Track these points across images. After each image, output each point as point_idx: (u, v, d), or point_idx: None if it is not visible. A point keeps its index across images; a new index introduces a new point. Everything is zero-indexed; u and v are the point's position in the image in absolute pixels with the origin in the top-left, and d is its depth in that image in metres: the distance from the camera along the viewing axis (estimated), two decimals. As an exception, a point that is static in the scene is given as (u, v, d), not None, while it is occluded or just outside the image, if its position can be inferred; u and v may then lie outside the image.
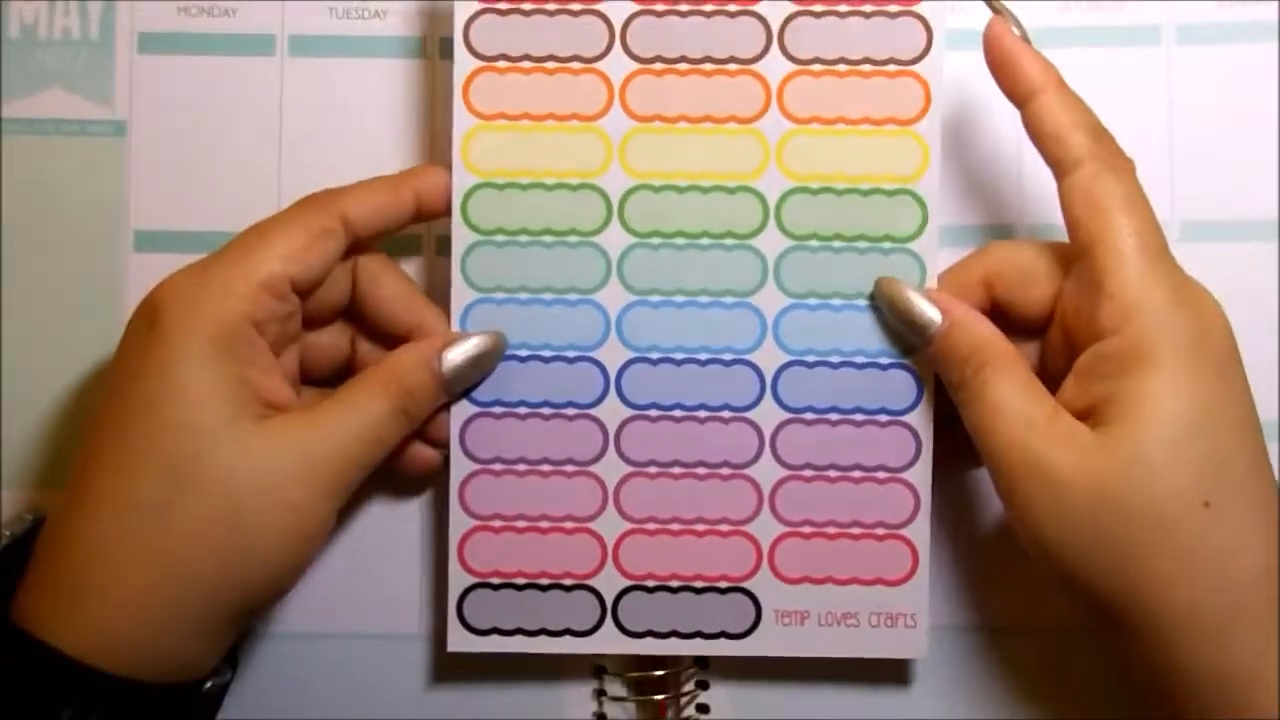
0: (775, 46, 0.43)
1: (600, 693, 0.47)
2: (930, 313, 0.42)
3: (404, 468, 0.44)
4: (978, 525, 0.47)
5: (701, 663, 0.47)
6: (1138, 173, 0.40)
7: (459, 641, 0.44)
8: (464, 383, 0.43)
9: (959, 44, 0.46)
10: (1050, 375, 0.42)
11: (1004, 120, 0.47)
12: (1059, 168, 0.41)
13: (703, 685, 0.47)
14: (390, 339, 0.44)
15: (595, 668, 0.47)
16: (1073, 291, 0.41)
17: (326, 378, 0.45)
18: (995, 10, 0.42)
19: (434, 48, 0.48)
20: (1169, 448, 0.37)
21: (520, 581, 0.44)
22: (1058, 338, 0.42)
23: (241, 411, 0.39)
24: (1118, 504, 0.37)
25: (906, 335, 0.43)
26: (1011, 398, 0.40)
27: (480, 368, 0.43)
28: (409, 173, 0.44)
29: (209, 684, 0.41)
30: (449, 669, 0.47)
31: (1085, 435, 0.38)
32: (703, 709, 0.47)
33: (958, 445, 0.43)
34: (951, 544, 0.47)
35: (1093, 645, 0.46)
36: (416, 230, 0.47)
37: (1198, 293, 0.39)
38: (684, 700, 0.47)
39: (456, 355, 0.42)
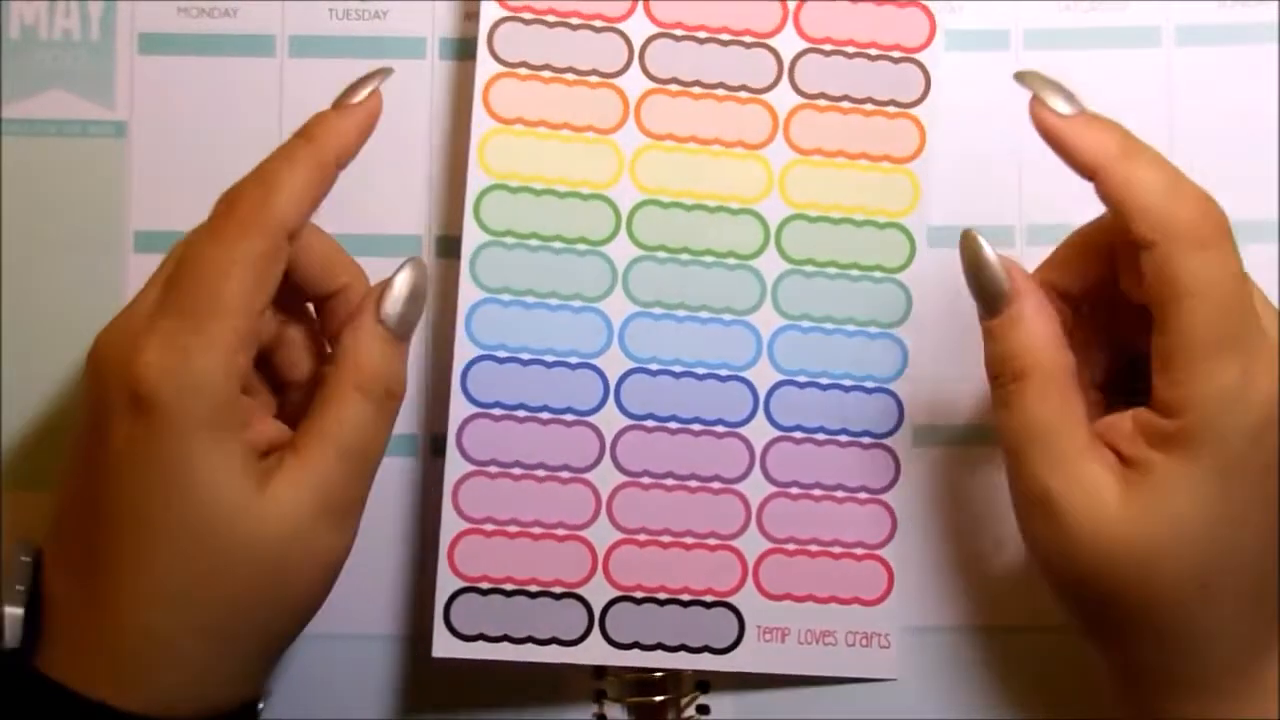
0: (785, 79, 0.45)
1: (600, 694, 0.46)
2: (1004, 287, 0.39)
3: None
4: (969, 526, 0.47)
5: (703, 687, 0.46)
6: (1230, 228, 0.37)
7: (444, 647, 0.43)
8: (412, 325, 0.40)
9: (960, 44, 0.47)
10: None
11: (1004, 120, 0.47)
12: (1136, 244, 0.37)
13: (702, 686, 0.46)
14: (317, 299, 0.42)
15: (595, 669, 0.46)
16: (1154, 355, 0.38)
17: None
18: (1031, 90, 0.39)
19: (434, 48, 0.48)
20: (1182, 538, 0.36)
21: (509, 587, 0.44)
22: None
23: (248, 483, 0.37)
24: (1118, 569, 0.37)
25: (973, 296, 0.40)
26: (1042, 421, 0.38)
27: (420, 301, 0.40)
28: (320, 137, 0.40)
29: (261, 705, 0.41)
30: (450, 684, 0.46)
31: (1108, 486, 0.37)
32: (703, 710, 0.46)
33: None
34: (942, 544, 0.47)
35: (1077, 643, 0.46)
36: (416, 230, 0.46)
37: (1271, 385, 0.36)
38: (684, 702, 0.46)
39: (394, 304, 0.40)
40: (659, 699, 0.46)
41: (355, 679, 0.46)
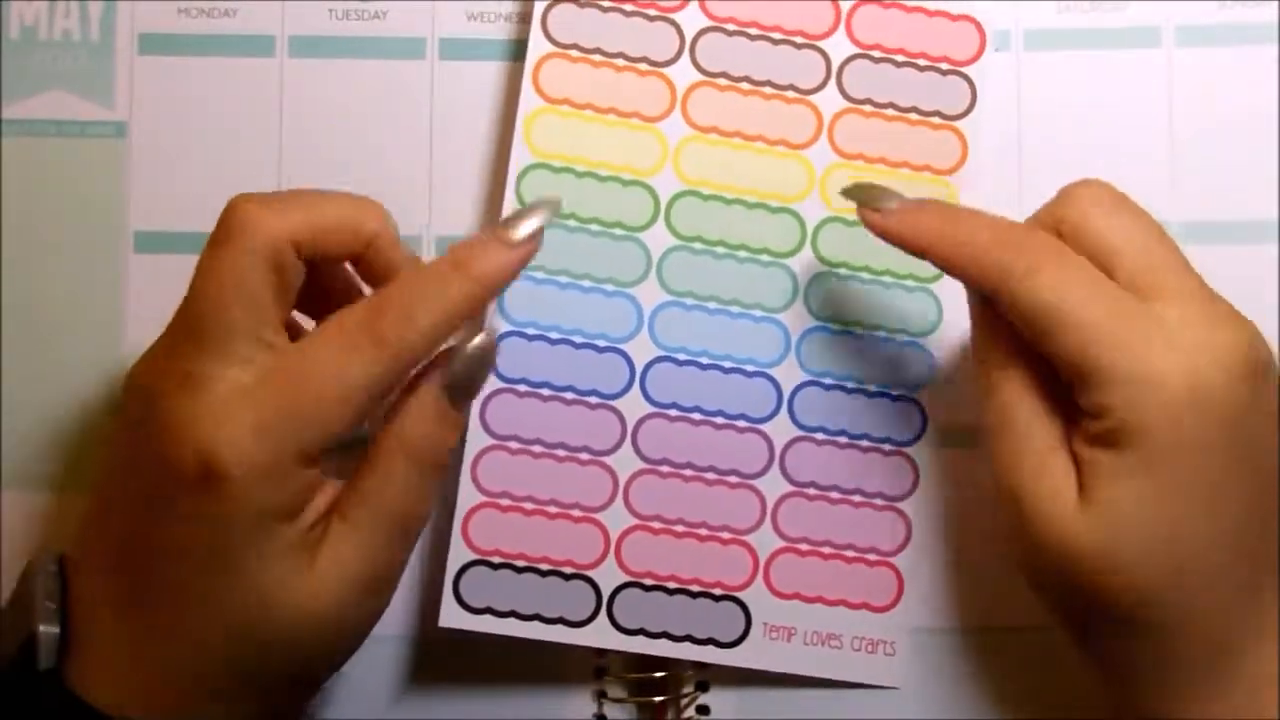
0: (833, 82, 0.46)
1: (601, 694, 0.46)
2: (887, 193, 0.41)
3: None
4: (969, 526, 0.47)
5: (703, 686, 0.46)
6: (1065, 255, 0.38)
7: (451, 617, 0.43)
8: (475, 389, 0.40)
9: None
10: None
11: (1003, 119, 0.47)
12: (989, 299, 0.39)
13: (702, 686, 0.46)
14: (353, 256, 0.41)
15: (596, 668, 0.46)
16: None
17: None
18: (856, 200, 0.41)
19: (434, 48, 0.48)
20: (1130, 532, 0.37)
21: (520, 564, 0.44)
22: None
23: (302, 559, 0.37)
24: (1076, 569, 0.38)
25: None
26: (1020, 415, 0.39)
27: (485, 368, 0.40)
28: (478, 280, 0.38)
29: None
30: (452, 675, 0.46)
31: (1067, 490, 0.38)
32: (703, 710, 0.46)
33: None
34: (943, 544, 0.47)
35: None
36: (416, 231, 0.47)
37: (1176, 362, 0.37)
38: (684, 702, 0.46)
39: (462, 362, 0.39)
40: (659, 699, 0.46)
41: (354, 679, 0.46)
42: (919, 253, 0.40)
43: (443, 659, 0.46)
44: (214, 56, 0.48)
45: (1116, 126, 0.47)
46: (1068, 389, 0.39)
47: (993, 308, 0.40)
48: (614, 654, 0.46)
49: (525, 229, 0.39)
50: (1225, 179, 0.47)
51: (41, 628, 0.38)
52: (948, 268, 0.40)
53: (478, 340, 0.40)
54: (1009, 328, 0.39)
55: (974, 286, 0.39)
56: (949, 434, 0.46)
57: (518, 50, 0.47)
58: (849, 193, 0.42)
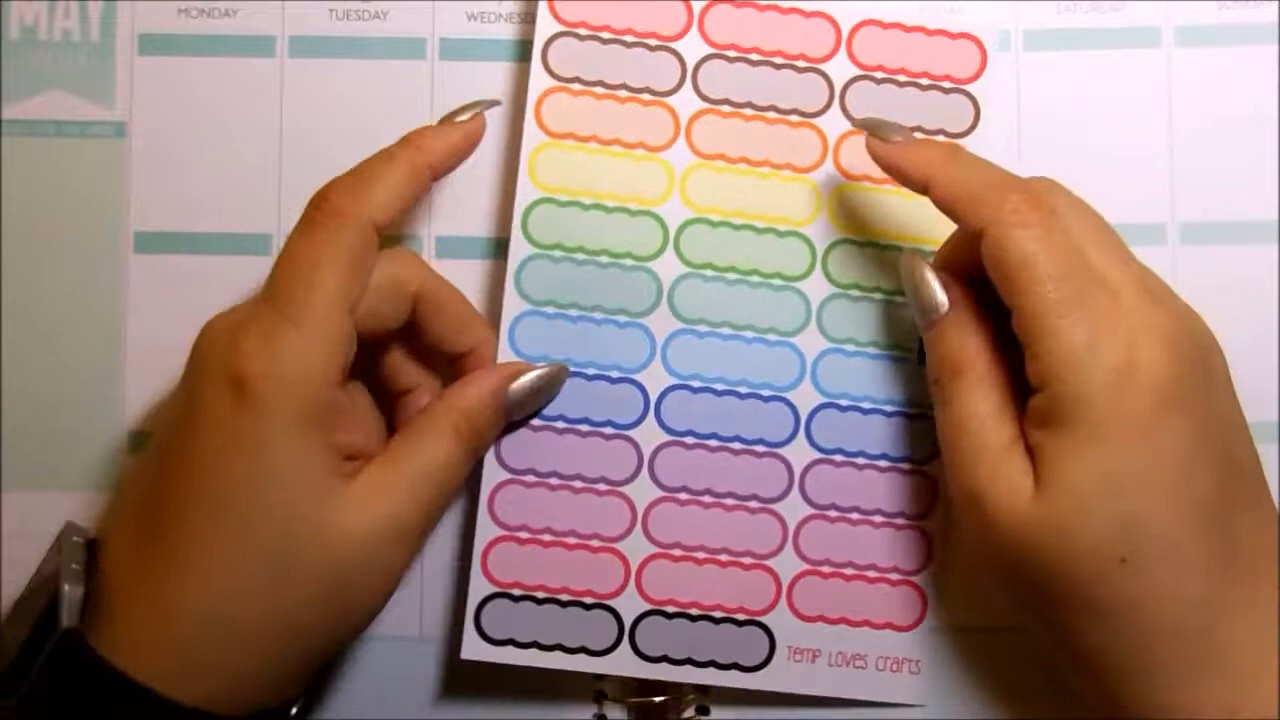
0: (836, 105, 0.46)
1: (600, 718, 0.46)
2: (939, 298, 0.42)
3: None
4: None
5: (701, 689, 0.47)
6: (1063, 203, 0.39)
7: (474, 650, 0.43)
8: (525, 411, 0.44)
9: None
10: None
11: (1003, 119, 0.48)
12: (973, 239, 0.40)
13: (703, 710, 0.47)
14: (446, 359, 0.44)
15: (595, 692, 0.46)
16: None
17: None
18: (867, 129, 0.43)
19: (434, 48, 0.48)
20: (1082, 510, 0.37)
21: (541, 595, 0.44)
22: None
23: (333, 483, 0.39)
24: (1037, 556, 0.38)
25: (914, 311, 0.43)
26: (974, 418, 0.40)
27: (542, 397, 0.44)
28: (416, 146, 0.42)
29: (294, 710, 0.42)
30: (453, 680, 0.46)
31: (1024, 483, 0.38)
32: (703, 710, 0.47)
33: None
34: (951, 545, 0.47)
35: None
36: (416, 231, 0.47)
37: (1127, 335, 0.38)
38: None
39: (521, 388, 0.43)
40: (659, 699, 0.46)
41: (356, 679, 0.46)
42: (920, 185, 0.41)
43: (446, 667, 0.46)
44: (214, 56, 0.48)
45: (1116, 126, 0.47)
46: (1018, 389, 0.40)
47: (941, 327, 0.41)
48: (612, 678, 0.46)
49: (465, 115, 0.44)
50: (1225, 179, 0.47)
51: (66, 587, 0.39)
52: (944, 202, 0.41)
53: (550, 367, 0.44)
54: (958, 339, 0.41)
55: (963, 223, 0.40)
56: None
57: (518, 50, 0.48)
58: (861, 123, 0.44)
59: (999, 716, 0.47)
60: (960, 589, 0.47)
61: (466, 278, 0.46)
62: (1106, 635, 0.38)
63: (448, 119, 0.44)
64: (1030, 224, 0.39)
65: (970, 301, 0.42)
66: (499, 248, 0.47)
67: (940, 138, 0.46)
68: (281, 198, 0.47)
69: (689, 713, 0.47)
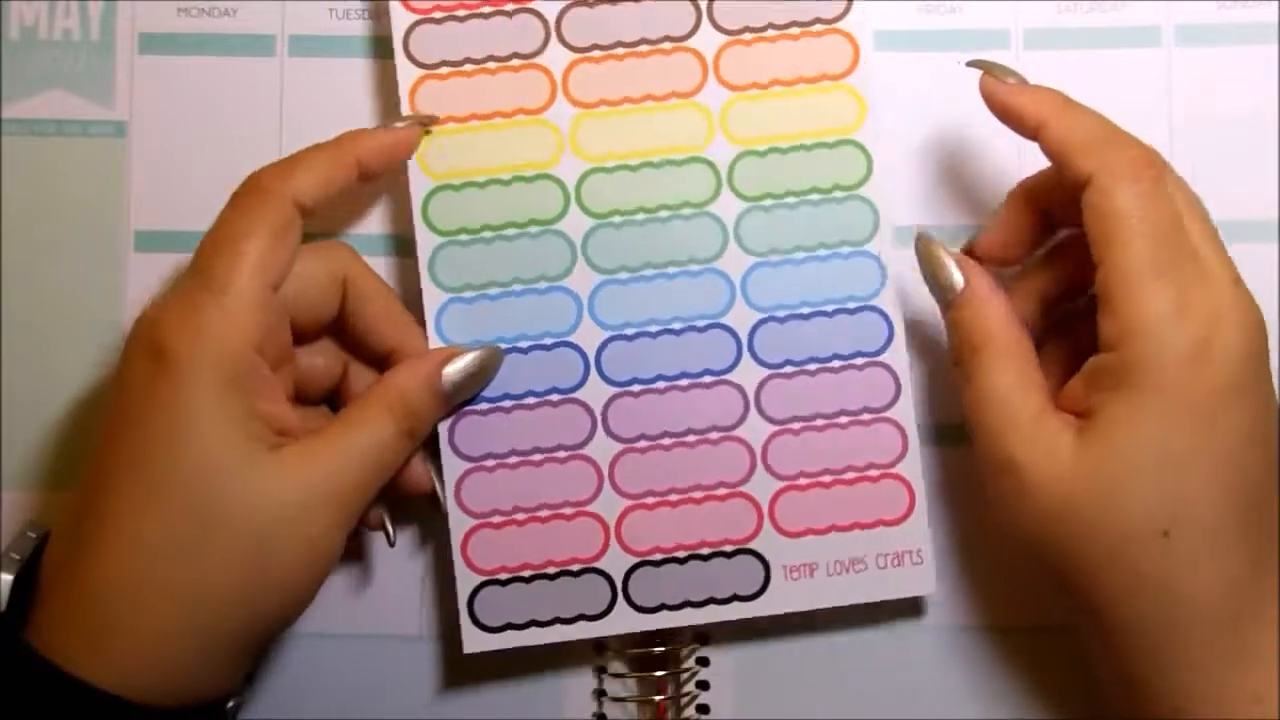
0: (705, 21, 0.45)
1: (600, 693, 0.47)
2: (955, 278, 0.42)
3: (401, 488, 0.44)
4: (979, 525, 0.47)
5: (702, 662, 0.47)
6: (1167, 171, 0.39)
7: (474, 641, 0.44)
8: (463, 396, 0.44)
9: (960, 44, 0.47)
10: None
11: None
12: (1076, 189, 0.40)
13: (703, 662, 0.47)
14: (374, 355, 0.44)
15: (594, 643, 0.47)
16: (1098, 300, 0.40)
17: (318, 399, 0.45)
18: (982, 69, 0.42)
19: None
20: (1132, 476, 0.37)
21: (527, 574, 0.44)
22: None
23: (256, 446, 0.39)
24: (1078, 516, 0.38)
25: (931, 293, 0.43)
26: (999, 389, 0.40)
27: (479, 381, 0.44)
28: (347, 140, 0.43)
29: (231, 703, 0.41)
30: (453, 672, 0.47)
31: (1065, 443, 0.38)
32: (703, 710, 0.46)
33: None
34: (953, 544, 0.47)
35: (1081, 643, 0.46)
36: (410, 231, 0.46)
37: (1211, 312, 0.38)
38: (684, 701, 0.47)
39: (456, 371, 0.43)
40: (659, 698, 0.46)
41: (356, 678, 0.47)
42: (1032, 128, 0.41)
43: (445, 660, 0.47)
44: (214, 56, 0.48)
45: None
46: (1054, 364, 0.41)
47: (959, 305, 0.41)
48: (611, 654, 0.47)
49: (399, 123, 0.44)
50: (1225, 179, 0.47)
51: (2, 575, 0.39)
52: (1056, 146, 0.40)
53: (483, 350, 0.44)
54: (977, 315, 0.41)
55: (1072, 169, 0.40)
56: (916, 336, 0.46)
57: (375, 46, 0.48)
58: (975, 63, 0.43)
59: (998, 717, 0.47)
60: (960, 589, 0.47)
61: (403, 276, 0.46)
62: (1139, 608, 0.38)
63: (382, 124, 0.45)
64: (1141, 180, 0.39)
65: (987, 279, 0.42)
66: (403, 245, 0.47)
67: (818, 26, 0.45)
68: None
69: (689, 663, 0.47)
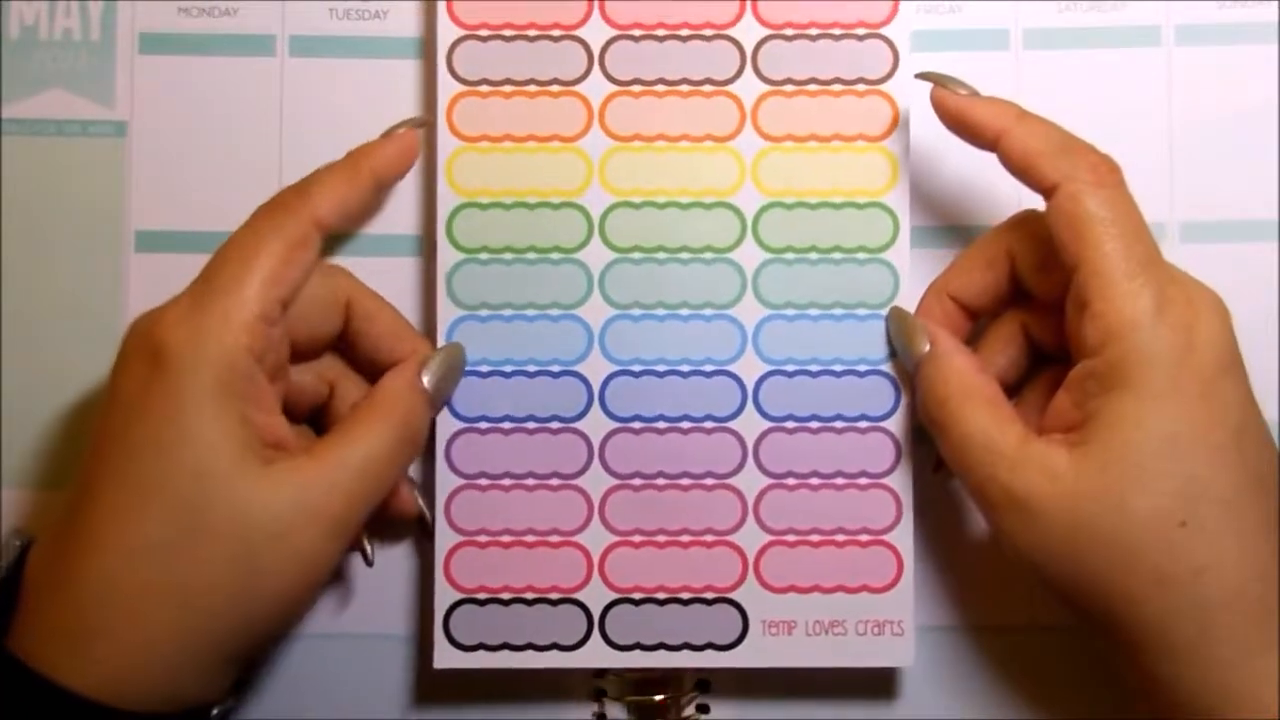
0: (749, 68, 0.45)
1: (600, 717, 0.47)
2: (920, 342, 0.43)
3: (389, 512, 0.44)
4: (963, 525, 0.47)
5: (703, 686, 0.47)
6: (1125, 177, 0.40)
7: (445, 658, 0.44)
8: (445, 394, 0.44)
9: (960, 44, 0.47)
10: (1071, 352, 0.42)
11: None
12: (1042, 195, 0.41)
13: (703, 709, 0.47)
14: (375, 371, 0.44)
15: (595, 690, 0.47)
16: (1070, 307, 0.40)
17: (302, 418, 0.45)
18: (933, 81, 0.43)
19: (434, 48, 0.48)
20: (1141, 472, 0.37)
21: (506, 596, 0.44)
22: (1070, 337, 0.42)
23: (248, 455, 0.39)
24: (1091, 530, 0.38)
25: (903, 360, 0.44)
26: (976, 430, 0.40)
27: (453, 378, 0.44)
28: (360, 155, 0.44)
29: (215, 710, 0.41)
30: (441, 683, 0.47)
31: (1059, 459, 0.39)
32: (703, 709, 0.46)
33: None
34: (938, 544, 0.47)
35: (1080, 643, 0.46)
36: (416, 230, 0.47)
37: (1191, 303, 0.39)
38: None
39: (433, 373, 0.43)
40: (659, 697, 0.46)
41: (359, 679, 0.47)
42: (990, 138, 0.41)
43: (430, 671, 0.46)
44: (214, 56, 0.48)
45: (1116, 126, 0.46)
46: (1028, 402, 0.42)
47: (924, 366, 0.42)
48: (612, 675, 0.46)
49: (399, 130, 0.45)
50: (1225, 179, 0.47)
51: None
52: (1017, 156, 0.41)
53: (446, 346, 0.44)
54: (942, 370, 0.42)
55: (1036, 177, 0.40)
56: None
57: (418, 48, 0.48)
58: (925, 75, 0.43)
59: (996, 717, 0.47)
60: (956, 589, 0.47)
61: (396, 275, 0.47)
62: (1167, 605, 0.37)
63: (386, 133, 0.45)
64: (1105, 184, 0.40)
65: (951, 340, 0.43)
66: (424, 245, 0.47)
67: (861, 86, 0.45)
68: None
69: (689, 710, 0.47)
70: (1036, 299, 0.43)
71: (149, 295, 0.46)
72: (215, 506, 0.38)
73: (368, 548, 0.44)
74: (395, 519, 0.44)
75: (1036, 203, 0.41)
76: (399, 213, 0.47)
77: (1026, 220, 0.43)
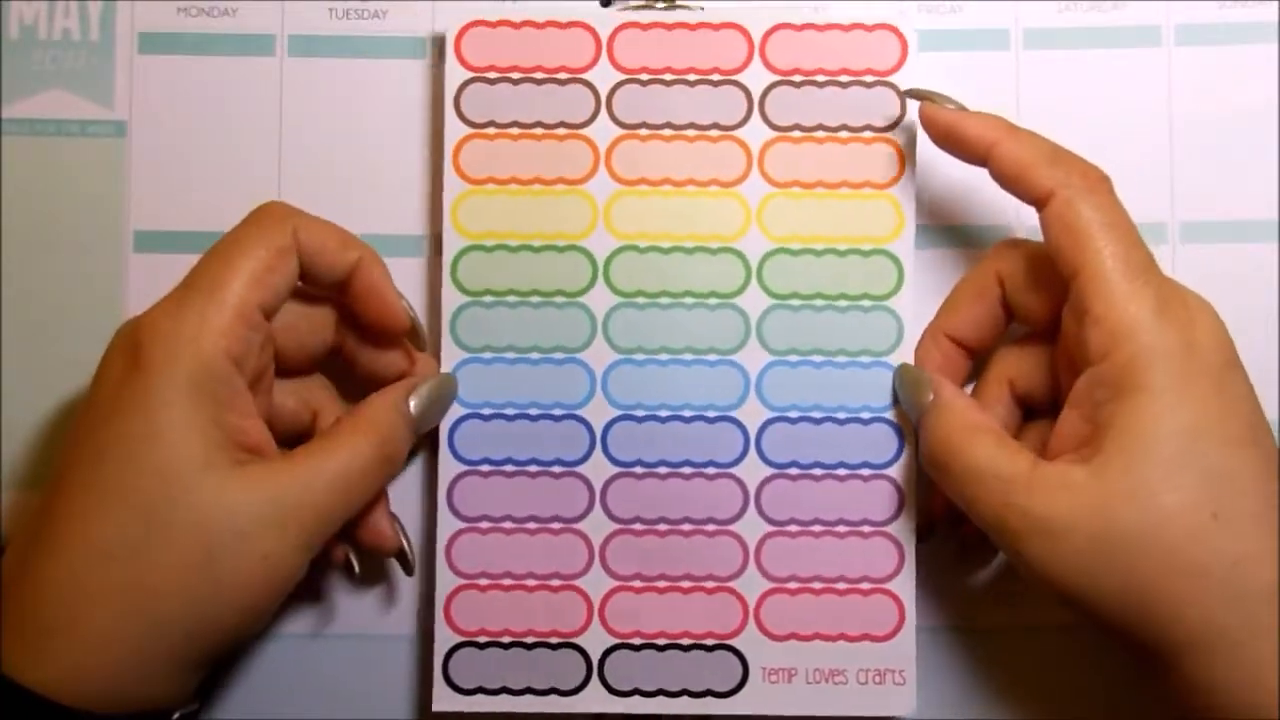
0: (756, 114, 0.45)
1: None
2: (924, 394, 0.43)
3: (370, 547, 0.44)
4: (963, 527, 0.46)
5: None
6: (1120, 182, 0.40)
7: (444, 700, 0.44)
8: (429, 423, 0.44)
9: (960, 44, 0.47)
10: (1062, 390, 0.42)
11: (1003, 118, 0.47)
12: (1034, 205, 0.41)
13: None
14: (372, 388, 0.44)
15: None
16: (1068, 317, 0.41)
17: (283, 442, 0.44)
18: (920, 98, 0.43)
19: (434, 48, 0.48)
20: (1166, 469, 0.37)
21: (506, 640, 0.44)
22: (1064, 356, 0.42)
23: (218, 456, 0.38)
24: (1122, 534, 0.37)
25: (909, 413, 0.44)
26: (982, 460, 0.40)
27: (441, 407, 0.44)
28: (360, 245, 0.43)
29: (177, 715, 0.40)
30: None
31: (1077, 474, 0.38)
32: None
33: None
34: (938, 544, 0.46)
35: (1080, 643, 0.46)
36: (415, 230, 0.47)
37: (1186, 304, 0.39)
38: None
39: (420, 400, 0.43)
40: None
41: (362, 679, 0.47)
42: (980, 151, 0.42)
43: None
44: (214, 56, 0.48)
45: (1116, 126, 0.46)
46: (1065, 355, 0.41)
47: (928, 414, 0.42)
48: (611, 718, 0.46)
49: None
50: (1225, 179, 0.47)
51: None
52: (1009, 166, 0.41)
53: (439, 377, 0.44)
54: (945, 416, 0.42)
55: (1028, 187, 0.41)
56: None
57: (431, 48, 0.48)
58: (911, 92, 0.44)
59: (996, 717, 0.46)
60: (956, 589, 0.47)
61: (399, 275, 0.45)
62: (1212, 599, 0.37)
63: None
64: (1099, 193, 0.40)
65: (954, 388, 0.43)
66: (432, 244, 0.47)
67: (868, 133, 0.45)
68: (281, 197, 0.47)
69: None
70: (1024, 348, 0.44)
71: (148, 295, 0.45)
72: (178, 506, 0.38)
73: (353, 560, 0.44)
74: (373, 552, 0.44)
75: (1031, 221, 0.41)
76: (403, 212, 0.47)
77: (1012, 244, 0.44)
